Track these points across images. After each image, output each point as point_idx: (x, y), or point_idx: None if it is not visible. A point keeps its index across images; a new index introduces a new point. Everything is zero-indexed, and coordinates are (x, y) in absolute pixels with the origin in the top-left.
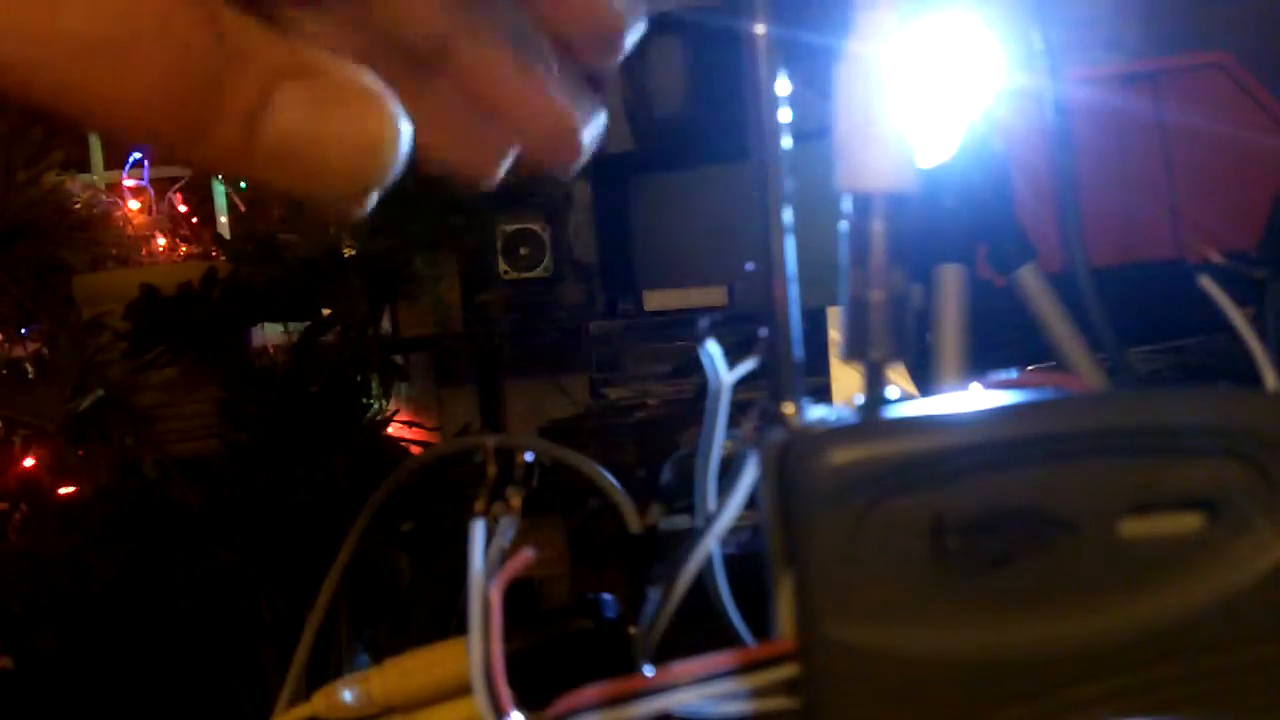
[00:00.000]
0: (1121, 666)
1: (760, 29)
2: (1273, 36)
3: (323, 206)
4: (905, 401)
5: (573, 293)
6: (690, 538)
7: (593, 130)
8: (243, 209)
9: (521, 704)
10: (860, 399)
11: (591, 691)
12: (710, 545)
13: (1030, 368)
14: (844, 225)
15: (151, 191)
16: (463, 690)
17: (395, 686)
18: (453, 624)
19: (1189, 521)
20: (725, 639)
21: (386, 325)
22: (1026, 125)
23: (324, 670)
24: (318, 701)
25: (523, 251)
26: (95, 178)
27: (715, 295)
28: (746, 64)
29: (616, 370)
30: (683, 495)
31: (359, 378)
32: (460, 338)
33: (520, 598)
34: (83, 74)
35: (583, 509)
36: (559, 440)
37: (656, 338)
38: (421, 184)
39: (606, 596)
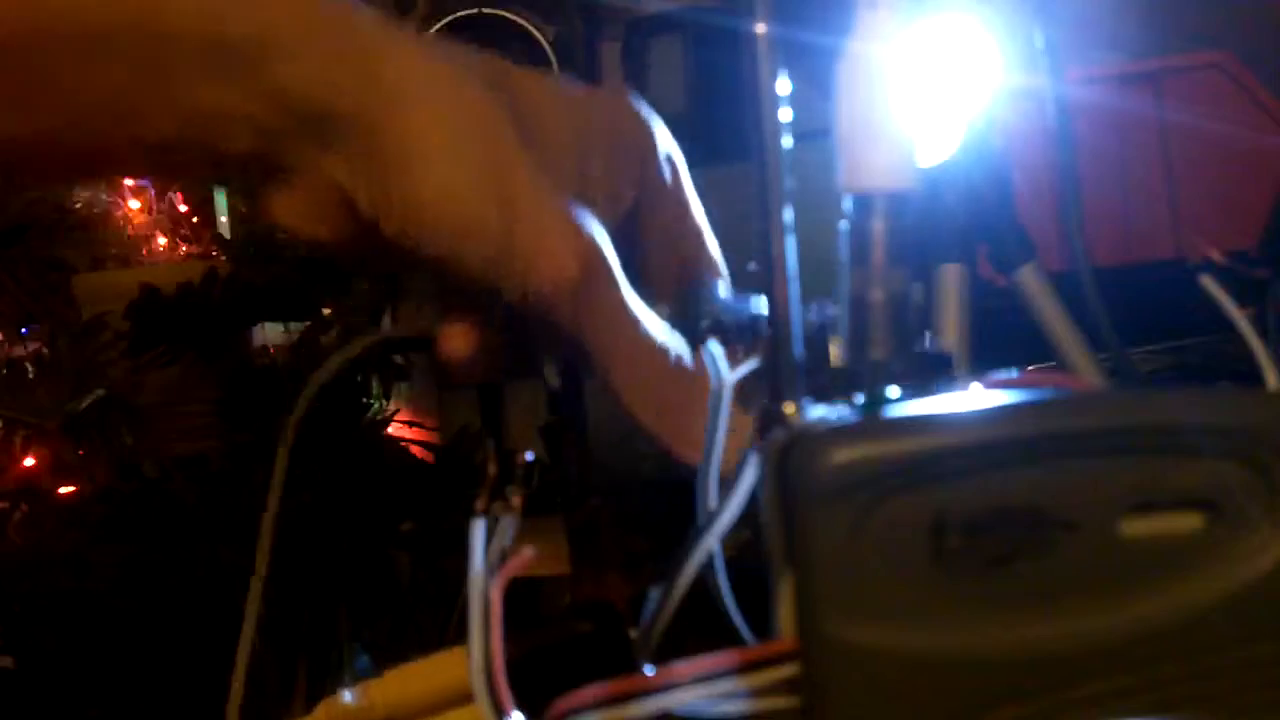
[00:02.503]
0: (1121, 666)
1: (760, 28)
2: (1273, 36)
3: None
4: (905, 401)
5: None
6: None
7: None
8: (243, 209)
9: (521, 708)
10: (860, 399)
11: (591, 691)
12: (711, 545)
13: (1030, 368)
14: (844, 225)
15: (152, 191)
16: (465, 698)
17: (397, 695)
18: (453, 624)
19: (1189, 521)
20: (726, 639)
21: (386, 325)
22: (1027, 125)
23: (324, 669)
24: (319, 713)
25: None
26: None
27: None
28: (746, 64)
29: None
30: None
31: (359, 378)
32: None
33: (521, 598)
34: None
35: (583, 509)
36: (560, 439)
37: None
38: None
39: (606, 600)
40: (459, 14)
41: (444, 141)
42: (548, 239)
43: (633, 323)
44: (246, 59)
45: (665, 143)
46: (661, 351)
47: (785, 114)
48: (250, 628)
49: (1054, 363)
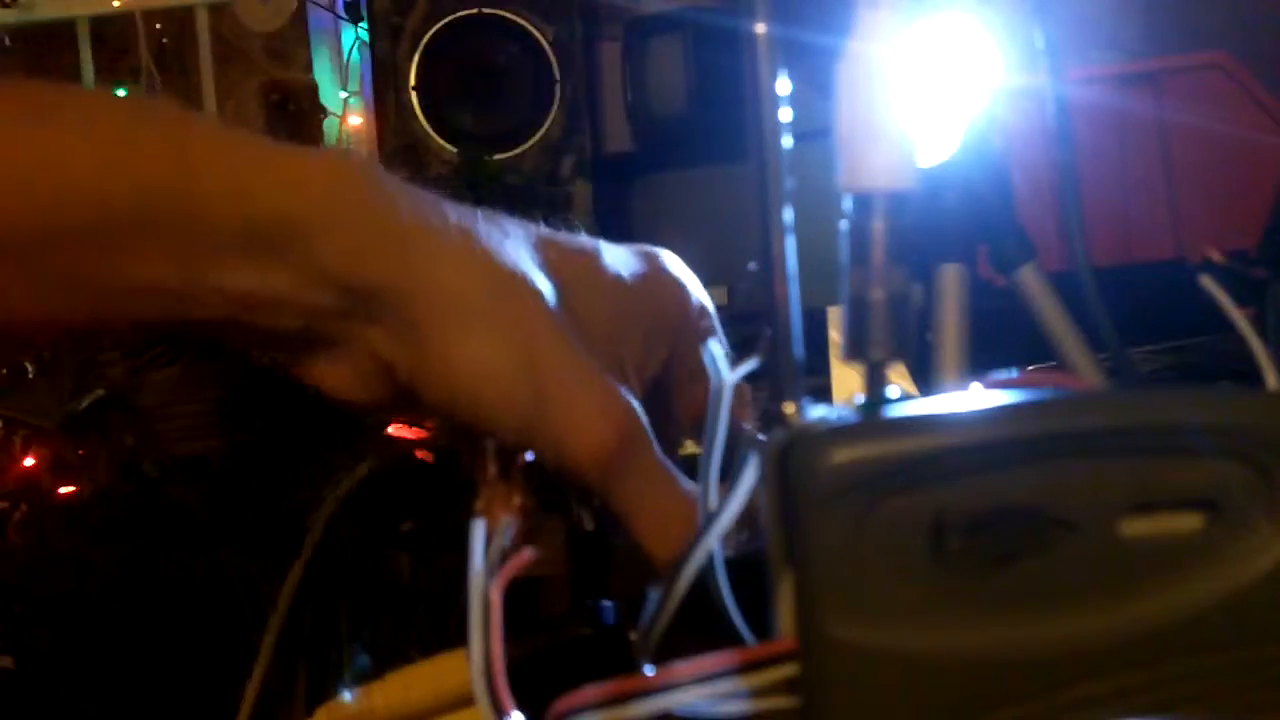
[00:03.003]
0: (1121, 666)
1: (760, 29)
2: (1273, 36)
3: None
4: (905, 401)
5: None
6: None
7: None
8: None
9: (522, 708)
10: (861, 399)
11: (591, 691)
12: (711, 545)
13: (1030, 368)
14: (844, 225)
15: None
16: (468, 701)
17: (399, 698)
18: (453, 624)
19: (1189, 521)
20: (726, 639)
21: None
22: (1027, 125)
23: (324, 669)
24: (320, 716)
25: None
26: None
27: (715, 295)
28: (746, 64)
29: None
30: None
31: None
32: None
33: (521, 598)
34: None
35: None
36: None
37: None
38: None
39: (606, 603)
40: (459, 14)
41: (476, 316)
42: (581, 411)
43: (662, 485)
44: (283, 241)
45: (698, 293)
46: (687, 507)
47: (785, 114)
48: (260, 671)
49: (1054, 363)
